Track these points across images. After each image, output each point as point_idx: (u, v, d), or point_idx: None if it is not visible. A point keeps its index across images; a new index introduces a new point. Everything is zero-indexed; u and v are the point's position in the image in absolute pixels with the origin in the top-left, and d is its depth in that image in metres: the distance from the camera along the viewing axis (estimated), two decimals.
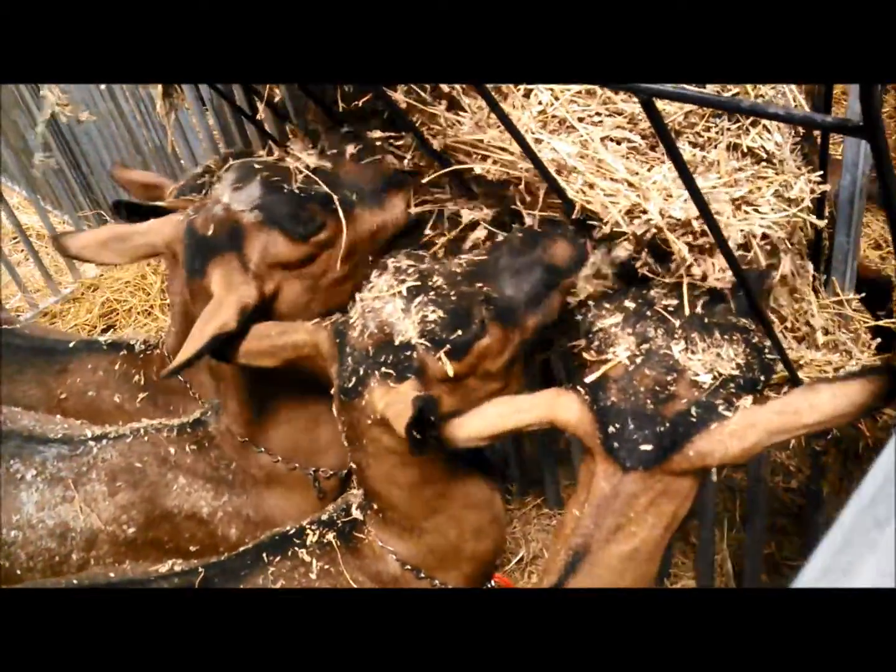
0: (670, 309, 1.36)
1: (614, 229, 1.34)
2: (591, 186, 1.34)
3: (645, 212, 1.29)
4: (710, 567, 2.38)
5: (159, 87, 1.84)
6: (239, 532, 1.95)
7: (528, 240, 1.56)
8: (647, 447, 1.26)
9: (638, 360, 1.32)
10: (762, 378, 1.33)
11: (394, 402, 1.39)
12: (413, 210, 1.78)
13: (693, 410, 1.26)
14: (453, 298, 1.47)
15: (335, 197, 1.74)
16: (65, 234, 1.92)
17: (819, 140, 1.46)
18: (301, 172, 1.74)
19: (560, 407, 1.36)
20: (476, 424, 1.39)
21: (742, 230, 1.26)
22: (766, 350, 1.35)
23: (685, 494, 1.32)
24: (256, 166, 1.77)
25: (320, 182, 1.74)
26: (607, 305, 1.42)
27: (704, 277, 1.32)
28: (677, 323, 1.34)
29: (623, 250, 1.39)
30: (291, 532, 1.75)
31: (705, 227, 1.26)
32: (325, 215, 1.74)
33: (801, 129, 1.43)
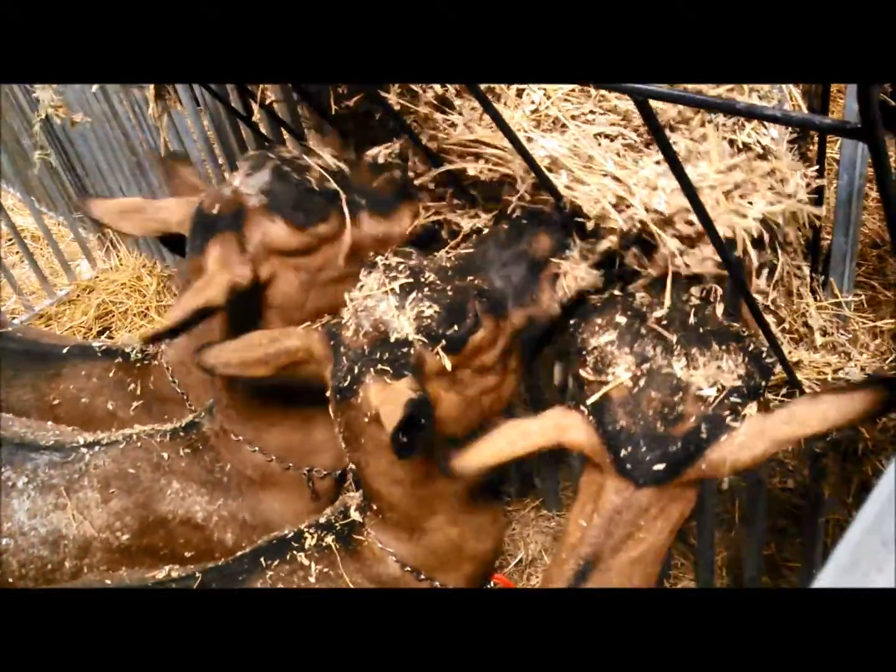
0: (664, 323, 1.35)
1: (599, 224, 1.33)
2: (578, 181, 1.33)
3: (630, 206, 1.27)
4: (710, 568, 2.37)
5: (151, 88, 1.83)
6: (235, 536, 1.94)
7: (513, 232, 1.57)
8: (661, 466, 1.28)
9: (641, 382, 1.31)
10: (763, 383, 1.34)
11: (388, 399, 1.39)
12: (421, 222, 1.79)
13: (703, 427, 1.27)
14: (448, 293, 1.48)
15: (342, 194, 1.76)
16: (91, 198, 1.99)
17: (816, 137, 1.45)
18: (315, 168, 1.77)
19: (567, 429, 1.36)
20: (485, 454, 1.39)
21: (731, 221, 1.25)
22: (764, 354, 1.35)
23: (691, 497, 1.36)
24: (271, 156, 1.81)
25: (331, 179, 1.78)
26: (599, 321, 1.40)
27: (687, 266, 1.31)
28: (674, 338, 1.33)
29: (608, 242, 1.38)
30: (289, 536, 1.74)
31: (690, 220, 1.26)
32: (329, 210, 1.77)
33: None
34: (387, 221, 1.81)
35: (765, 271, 1.43)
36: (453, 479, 1.47)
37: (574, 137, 1.40)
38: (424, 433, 1.38)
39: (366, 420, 1.49)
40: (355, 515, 1.72)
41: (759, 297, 1.43)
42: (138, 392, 2.31)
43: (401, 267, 1.54)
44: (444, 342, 1.46)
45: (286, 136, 2.45)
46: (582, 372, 1.40)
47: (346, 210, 1.76)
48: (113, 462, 1.93)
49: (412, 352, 1.45)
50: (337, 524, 1.73)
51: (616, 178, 1.30)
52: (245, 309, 1.78)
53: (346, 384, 1.50)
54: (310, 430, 1.97)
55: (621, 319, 1.39)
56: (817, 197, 1.42)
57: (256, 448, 1.95)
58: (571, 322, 1.49)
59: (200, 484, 1.94)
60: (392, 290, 1.49)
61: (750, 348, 1.33)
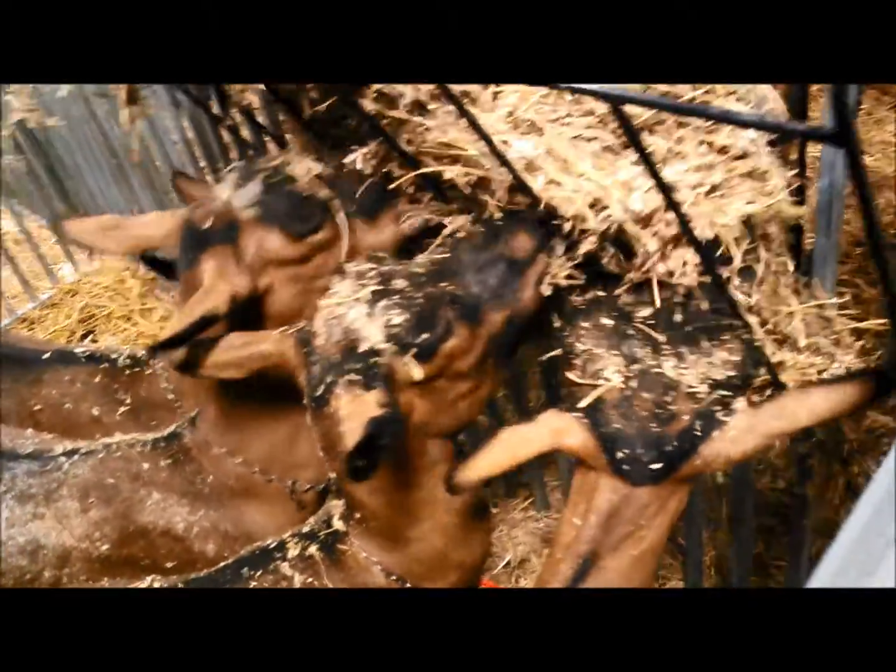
0: (650, 322, 1.34)
1: (577, 224, 1.32)
2: (554, 182, 1.31)
3: (606, 206, 1.26)
4: (699, 568, 2.37)
5: (122, 94, 1.80)
6: (217, 547, 1.91)
7: (489, 234, 1.54)
8: (657, 465, 1.28)
9: (633, 384, 1.31)
10: (754, 373, 1.35)
11: (353, 414, 1.36)
12: (411, 224, 1.77)
13: (696, 424, 1.28)
14: (418, 300, 1.45)
15: (336, 200, 1.76)
16: (68, 220, 1.94)
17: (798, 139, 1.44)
18: (305, 176, 1.77)
19: (564, 433, 1.35)
20: (486, 465, 1.38)
21: (713, 221, 1.24)
22: (756, 343, 1.36)
23: (686, 491, 1.37)
24: (259, 167, 1.80)
25: (323, 185, 1.77)
26: (585, 324, 1.39)
27: (671, 275, 1.30)
28: (662, 338, 1.33)
29: (587, 244, 1.36)
30: (272, 546, 1.71)
31: (668, 220, 1.25)
32: (324, 217, 1.76)
33: None
34: (374, 227, 1.80)
35: (747, 272, 1.42)
36: (458, 493, 1.45)
37: (551, 138, 1.38)
38: (386, 455, 1.35)
39: (340, 430, 1.45)
40: (339, 524, 1.70)
41: (742, 298, 1.42)
42: (127, 399, 2.28)
43: (371, 273, 1.52)
44: (413, 350, 1.43)
45: (268, 140, 2.43)
46: (571, 376, 1.39)
47: (342, 217, 1.76)
48: (92, 471, 1.90)
49: (382, 361, 1.43)
50: (320, 534, 1.70)
51: (592, 179, 1.28)
52: (244, 320, 1.76)
53: (319, 393, 1.47)
54: (295, 442, 1.94)
55: (607, 321, 1.39)
56: (799, 198, 1.41)
57: (240, 459, 1.93)
58: (556, 326, 1.47)
59: (181, 495, 1.91)
60: (362, 297, 1.47)
61: (741, 339, 1.34)
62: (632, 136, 0.92)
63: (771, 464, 2.58)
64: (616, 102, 0.88)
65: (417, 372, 1.43)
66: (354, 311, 1.46)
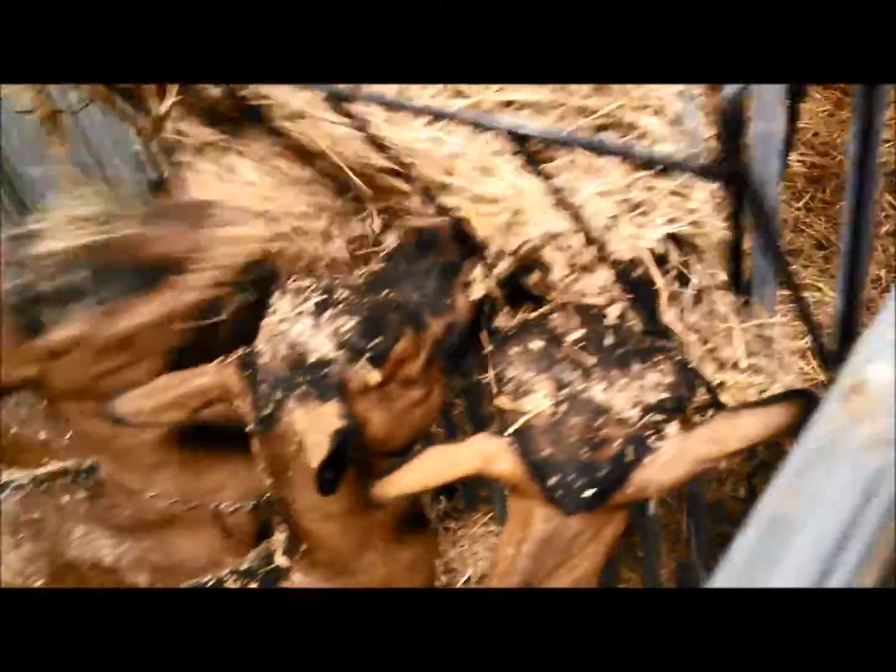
0: (581, 345, 1.32)
1: (489, 242, 1.30)
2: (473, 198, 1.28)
3: (524, 225, 1.23)
4: (657, 581, 2.36)
5: (40, 113, 1.73)
6: (149, 578, 1.87)
7: (422, 243, 1.53)
8: (590, 492, 1.26)
9: (562, 408, 1.29)
10: (689, 395, 1.34)
11: (314, 427, 1.35)
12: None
13: (627, 450, 1.26)
14: (365, 306, 1.45)
15: (86, 287, 1.61)
16: None
17: None
18: (54, 253, 1.60)
19: (492, 459, 1.34)
20: (408, 480, 1.37)
21: (632, 243, 1.21)
22: (688, 366, 1.35)
23: (621, 519, 1.35)
24: (15, 243, 1.63)
25: (73, 268, 1.60)
26: (513, 350, 1.37)
27: (584, 295, 1.30)
28: (591, 362, 1.31)
29: (503, 265, 1.35)
30: (209, 584, 1.67)
31: (590, 239, 1.22)
32: (68, 307, 1.62)
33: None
34: (151, 300, 1.66)
35: (682, 292, 1.39)
36: (375, 506, 1.45)
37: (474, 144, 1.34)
38: (350, 465, 1.34)
39: (292, 449, 1.43)
40: (281, 560, 1.65)
41: (674, 317, 1.40)
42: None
43: (311, 287, 1.50)
44: (368, 355, 1.42)
45: None
46: (499, 401, 1.36)
47: (87, 304, 1.62)
48: (20, 506, 1.87)
49: (335, 370, 1.41)
50: (260, 571, 1.66)
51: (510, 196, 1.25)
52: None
53: (267, 412, 1.44)
54: (196, 469, 1.88)
55: (536, 345, 1.37)
56: (732, 213, 1.37)
57: (152, 494, 1.87)
58: (486, 352, 1.45)
59: (104, 527, 1.86)
60: (305, 311, 1.45)
61: (674, 360, 1.33)
62: (534, 168, 0.88)
63: (732, 472, 2.55)
64: (513, 136, 0.85)
65: (374, 376, 1.42)
66: (299, 325, 1.44)
